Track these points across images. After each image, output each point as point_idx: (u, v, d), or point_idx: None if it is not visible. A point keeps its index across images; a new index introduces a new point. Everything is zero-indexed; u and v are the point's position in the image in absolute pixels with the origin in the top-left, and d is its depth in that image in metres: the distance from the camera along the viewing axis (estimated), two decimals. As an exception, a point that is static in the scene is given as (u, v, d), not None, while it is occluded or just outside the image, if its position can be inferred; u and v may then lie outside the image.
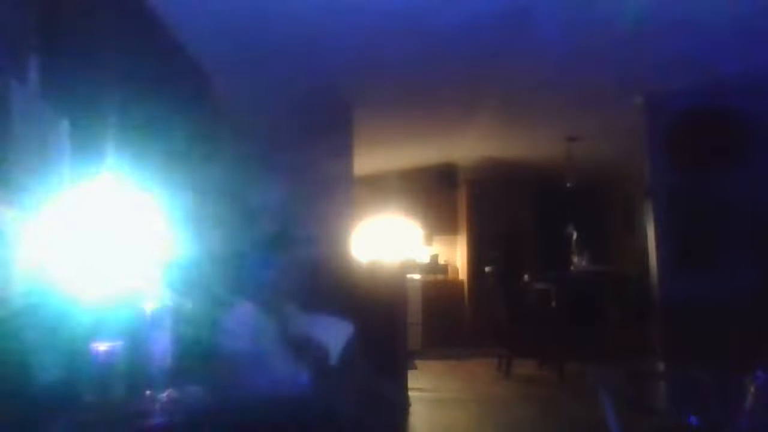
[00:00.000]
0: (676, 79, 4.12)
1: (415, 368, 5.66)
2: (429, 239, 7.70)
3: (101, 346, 1.55)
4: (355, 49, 3.40)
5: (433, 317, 7.02)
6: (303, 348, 2.32)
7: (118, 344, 1.59)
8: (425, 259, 7.60)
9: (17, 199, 1.49)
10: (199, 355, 1.94)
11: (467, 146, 6.31)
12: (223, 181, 3.10)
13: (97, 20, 2.01)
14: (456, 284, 7.51)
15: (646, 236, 4.61)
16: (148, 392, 1.65)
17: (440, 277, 7.56)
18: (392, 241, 7.37)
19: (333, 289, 3.02)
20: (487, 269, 6.42)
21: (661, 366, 4.27)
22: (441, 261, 7.71)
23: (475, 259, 7.32)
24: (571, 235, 6.62)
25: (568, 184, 6.16)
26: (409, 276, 6.05)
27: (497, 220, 7.39)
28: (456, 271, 7.72)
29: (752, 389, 1.85)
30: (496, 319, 5.87)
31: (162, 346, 1.81)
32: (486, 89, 4.35)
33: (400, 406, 3.82)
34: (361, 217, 6.68)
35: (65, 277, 1.58)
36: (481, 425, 3.88)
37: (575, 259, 6.52)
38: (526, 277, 6.34)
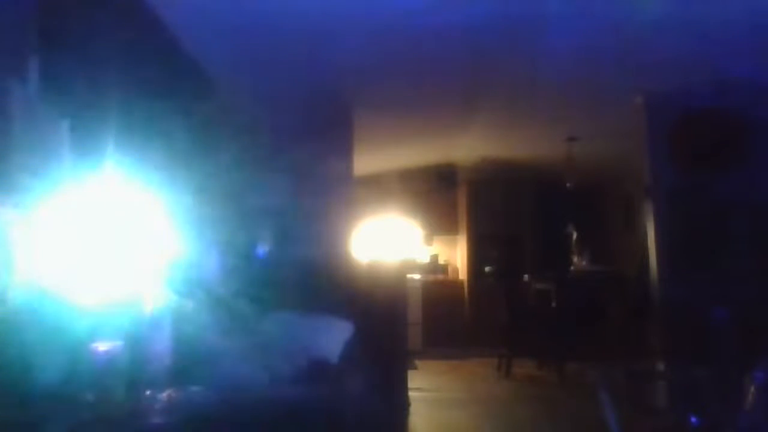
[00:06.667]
0: (676, 79, 4.12)
1: (415, 368, 5.67)
2: (429, 239, 7.70)
3: (101, 347, 1.55)
4: (355, 50, 3.39)
5: (433, 317, 7.02)
6: (302, 348, 2.32)
7: (118, 345, 1.59)
8: (425, 259, 7.60)
9: (17, 200, 1.49)
10: (199, 356, 1.94)
11: (467, 146, 6.31)
12: (223, 182, 3.10)
13: (98, 20, 2.01)
14: (456, 284, 7.51)
15: (646, 236, 4.61)
16: (148, 392, 1.65)
17: (440, 277, 7.56)
18: (392, 241, 7.37)
19: (333, 289, 3.02)
20: (487, 269, 6.42)
21: (661, 366, 4.27)
22: (441, 261, 7.71)
23: (475, 259, 7.32)
24: (571, 235, 6.63)
25: (568, 184, 6.16)
26: (409, 276, 6.05)
27: (497, 220, 7.39)
28: (456, 271, 7.72)
29: (752, 389, 1.85)
30: (496, 319, 5.87)
31: (162, 346, 1.81)
32: (486, 89, 4.34)
33: (400, 406, 3.82)
34: (361, 217, 6.68)
35: (66, 278, 1.58)
36: (481, 425, 3.89)
37: (575, 259, 6.52)
38: (526, 277, 6.34)
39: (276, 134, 4.46)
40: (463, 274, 7.55)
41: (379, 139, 5.60)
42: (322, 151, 4.50)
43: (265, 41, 3.14)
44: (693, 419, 1.95)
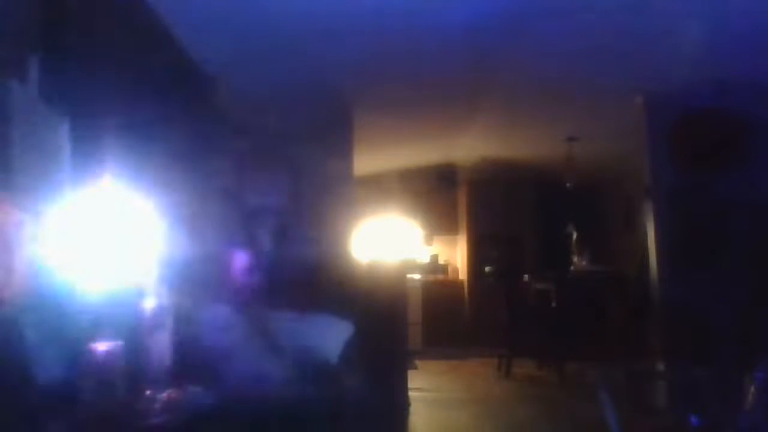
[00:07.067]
0: (676, 79, 4.12)
1: (415, 368, 5.67)
2: (429, 239, 7.70)
3: (101, 346, 1.55)
4: (355, 49, 3.40)
5: (433, 317, 7.02)
6: (302, 348, 2.32)
7: (118, 344, 1.58)
8: (425, 259, 7.60)
9: (17, 200, 1.49)
10: (199, 356, 1.94)
11: (467, 146, 6.31)
12: (224, 182, 3.10)
13: (98, 20, 2.02)
14: (456, 284, 7.51)
15: (646, 236, 4.61)
16: (148, 392, 1.65)
17: (440, 277, 7.56)
18: (392, 241, 7.37)
19: (333, 289, 3.02)
20: (487, 269, 6.42)
21: (661, 366, 4.27)
22: (441, 261, 7.71)
23: (475, 259, 7.32)
24: (571, 235, 6.62)
25: (568, 184, 6.16)
26: (409, 276, 6.05)
27: (497, 220, 7.39)
28: (456, 271, 7.72)
29: (752, 389, 1.85)
30: (496, 319, 5.87)
31: (162, 346, 1.81)
32: (486, 89, 4.35)
33: (400, 406, 3.82)
34: (361, 217, 6.68)
35: (65, 278, 1.58)
36: (481, 425, 3.89)
37: (575, 259, 6.52)
38: (526, 277, 6.34)
39: (276, 134, 4.46)
40: (463, 274, 7.55)
41: (379, 139, 5.60)
42: (322, 151, 4.50)
43: (265, 41, 3.14)
44: (693, 419, 1.95)
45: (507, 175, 7.26)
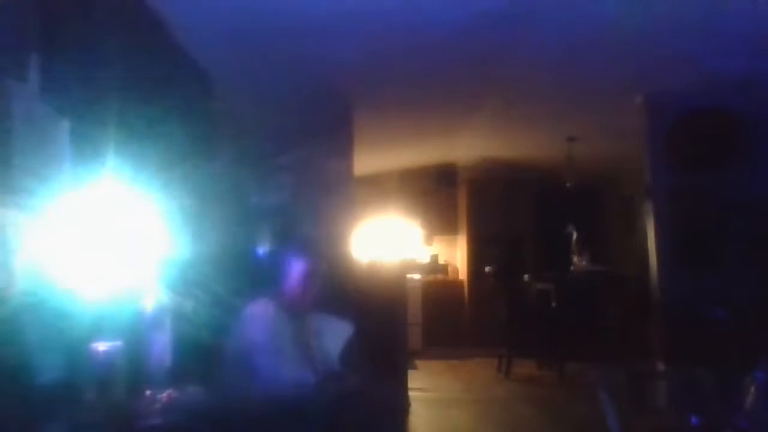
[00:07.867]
0: (676, 79, 4.12)
1: (416, 368, 5.67)
2: (429, 239, 7.69)
3: (101, 346, 1.55)
4: (355, 49, 3.40)
5: (433, 317, 7.01)
6: (303, 349, 2.32)
7: (118, 344, 1.59)
8: (425, 259, 7.59)
9: (17, 200, 1.49)
10: (199, 355, 1.94)
11: (467, 146, 6.31)
12: (224, 182, 3.10)
13: (98, 20, 2.01)
14: (456, 284, 7.51)
15: (646, 236, 4.61)
16: (148, 392, 1.65)
17: (440, 277, 7.56)
18: (392, 241, 7.37)
19: (333, 289, 3.02)
20: (487, 269, 6.41)
21: (661, 366, 4.27)
22: (441, 261, 7.70)
23: (475, 259, 7.31)
24: (571, 235, 6.62)
25: (568, 184, 6.15)
26: (409, 276, 6.05)
27: (497, 220, 7.38)
28: (456, 271, 7.72)
29: (752, 389, 1.85)
30: (496, 319, 5.87)
31: (162, 346, 1.81)
32: (486, 89, 4.35)
33: (400, 406, 3.82)
34: (361, 217, 6.67)
35: (66, 278, 1.58)
36: (481, 425, 3.89)
37: (575, 259, 6.51)
38: (526, 277, 6.34)
39: (276, 134, 4.46)
40: (463, 274, 7.55)
41: (379, 139, 5.59)
42: (322, 151, 4.50)
43: (265, 41, 3.14)
44: (693, 419, 1.95)
45: (507, 175, 7.26)
